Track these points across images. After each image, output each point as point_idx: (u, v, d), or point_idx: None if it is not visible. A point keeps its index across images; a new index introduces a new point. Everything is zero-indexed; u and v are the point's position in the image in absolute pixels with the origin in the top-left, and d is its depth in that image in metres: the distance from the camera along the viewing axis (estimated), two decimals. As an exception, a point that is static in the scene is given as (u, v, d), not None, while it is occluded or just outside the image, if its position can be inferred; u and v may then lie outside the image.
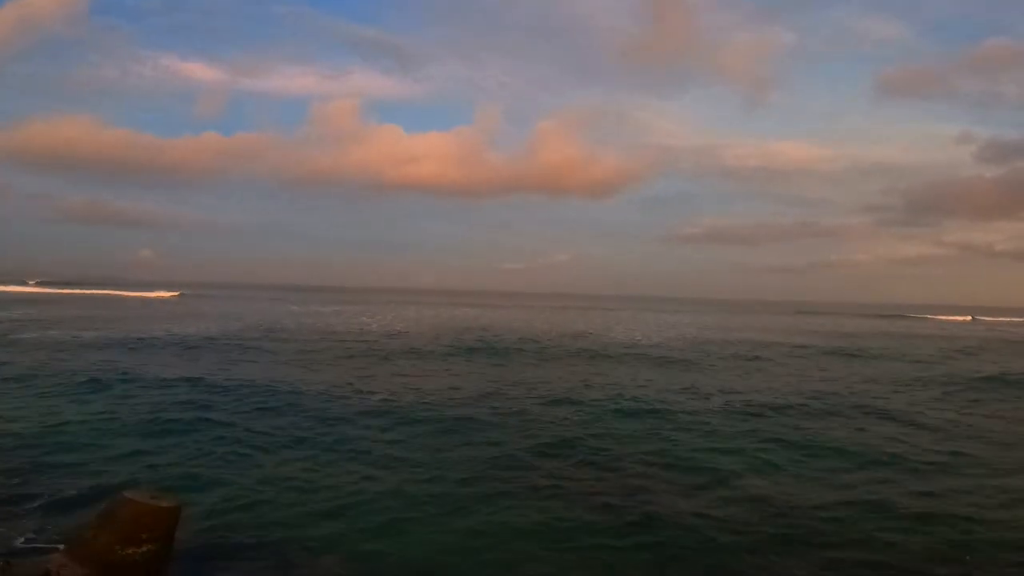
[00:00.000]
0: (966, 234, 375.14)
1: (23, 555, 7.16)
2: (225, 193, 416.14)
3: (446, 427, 14.46)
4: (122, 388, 17.65)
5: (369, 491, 10.31)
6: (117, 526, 6.76)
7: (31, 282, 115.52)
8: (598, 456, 12.57)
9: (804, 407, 18.34)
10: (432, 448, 12.75)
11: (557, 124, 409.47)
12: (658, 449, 13.18)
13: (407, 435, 13.72)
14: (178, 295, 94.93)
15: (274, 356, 26.63)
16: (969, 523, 9.59)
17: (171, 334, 33.52)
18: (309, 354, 27.66)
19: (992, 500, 10.78)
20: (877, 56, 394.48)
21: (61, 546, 7.37)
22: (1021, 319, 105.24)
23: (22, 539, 7.94)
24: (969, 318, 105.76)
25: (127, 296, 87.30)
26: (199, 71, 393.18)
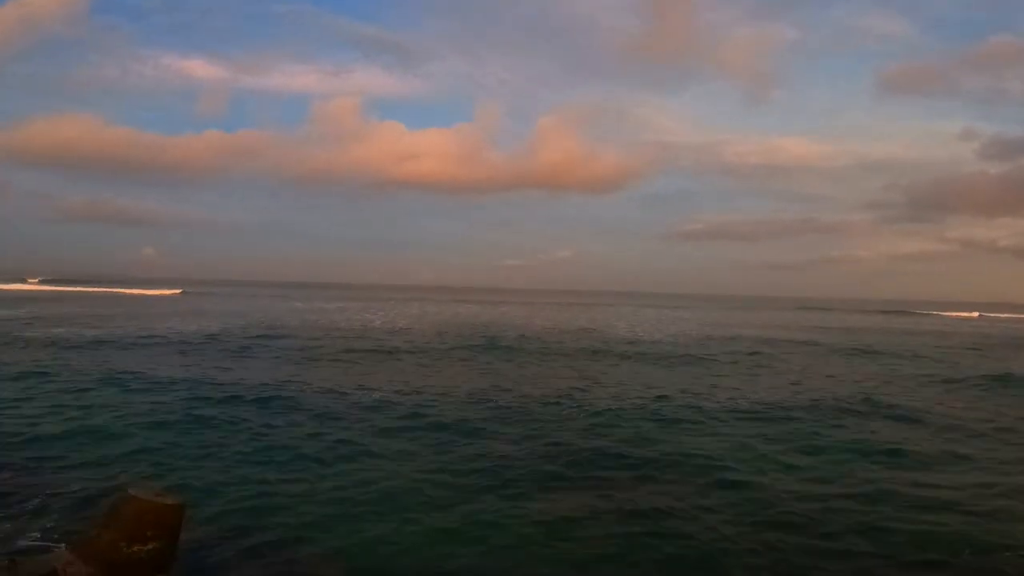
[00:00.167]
0: (969, 231, 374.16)
1: (28, 553, 7.16)
2: (227, 191, 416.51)
3: (450, 426, 14.37)
4: (124, 386, 17.67)
5: (374, 490, 10.29)
6: (122, 524, 6.76)
7: (31, 280, 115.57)
8: (602, 456, 12.45)
9: (813, 406, 17.99)
10: (436, 447, 12.72)
11: (558, 121, 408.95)
12: (662, 448, 13.04)
13: (411, 433, 13.71)
14: (180, 293, 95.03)
15: (277, 354, 26.65)
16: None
17: (173, 332, 33.59)
18: (313, 351, 27.68)
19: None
20: (879, 52, 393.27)
21: (66, 544, 7.38)
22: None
23: (27, 537, 7.95)
24: (976, 314, 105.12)
25: (129, 294, 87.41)
26: (200, 69, 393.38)
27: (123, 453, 11.63)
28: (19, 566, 6.43)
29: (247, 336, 32.76)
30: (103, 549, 6.68)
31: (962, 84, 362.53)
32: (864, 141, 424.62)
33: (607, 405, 17.20)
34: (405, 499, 9.90)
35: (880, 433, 15.18)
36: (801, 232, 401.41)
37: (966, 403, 19.82)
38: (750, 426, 15.46)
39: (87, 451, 11.64)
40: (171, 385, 18.16)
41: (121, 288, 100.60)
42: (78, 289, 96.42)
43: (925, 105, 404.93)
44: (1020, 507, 10.38)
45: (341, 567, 7.86)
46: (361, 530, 8.79)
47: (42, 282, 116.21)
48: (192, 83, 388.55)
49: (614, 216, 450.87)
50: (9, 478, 10.09)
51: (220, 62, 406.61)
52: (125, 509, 6.84)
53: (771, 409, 17.38)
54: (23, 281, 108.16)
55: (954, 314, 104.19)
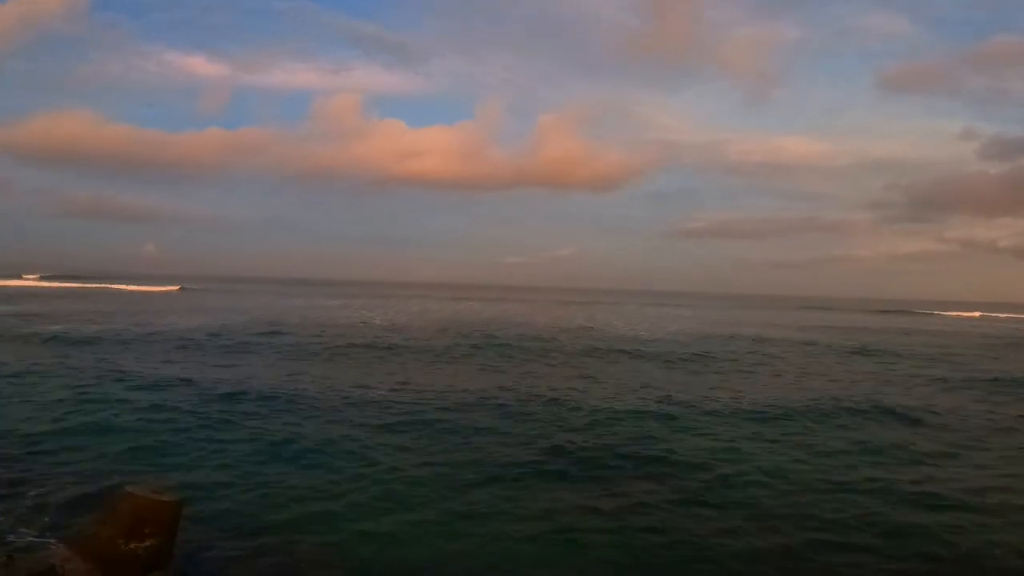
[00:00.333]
0: (969, 230, 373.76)
1: (26, 549, 7.17)
2: (228, 188, 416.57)
3: (450, 425, 14.33)
4: (120, 384, 17.65)
5: (373, 488, 10.31)
6: (120, 520, 6.78)
7: (27, 276, 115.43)
8: (602, 455, 12.39)
9: (817, 407, 17.69)
10: (436, 446, 12.71)
11: (559, 119, 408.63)
12: (663, 448, 12.93)
13: (410, 432, 13.70)
14: (179, 289, 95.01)
15: (276, 351, 26.65)
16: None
17: (170, 329, 33.59)
18: (312, 349, 27.67)
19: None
20: (881, 52, 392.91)
21: (64, 540, 7.39)
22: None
23: (25, 534, 7.95)
24: (977, 314, 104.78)
25: (127, 290, 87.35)
26: (202, 66, 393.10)
27: (120, 450, 11.64)
28: (17, 562, 6.44)
29: (245, 333, 32.75)
30: (101, 545, 6.70)
31: (963, 84, 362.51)
32: (865, 140, 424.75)
33: (607, 404, 17.11)
34: (404, 497, 9.91)
35: (885, 434, 15.04)
36: (803, 231, 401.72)
37: (974, 403, 19.57)
38: (756, 426, 15.26)
39: (85, 448, 11.65)
40: (167, 383, 18.15)
41: (120, 284, 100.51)
42: (76, 285, 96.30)
43: (926, 105, 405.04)
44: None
45: (339, 563, 7.86)
46: (359, 527, 8.80)
47: (42, 278, 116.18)
48: (193, 80, 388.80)
49: (616, 214, 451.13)
50: (7, 475, 10.09)
51: (221, 59, 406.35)
52: (123, 506, 6.86)
53: (774, 409, 17.15)
54: (19, 277, 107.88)
55: (955, 314, 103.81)
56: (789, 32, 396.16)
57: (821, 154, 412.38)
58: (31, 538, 7.79)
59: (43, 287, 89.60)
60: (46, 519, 8.43)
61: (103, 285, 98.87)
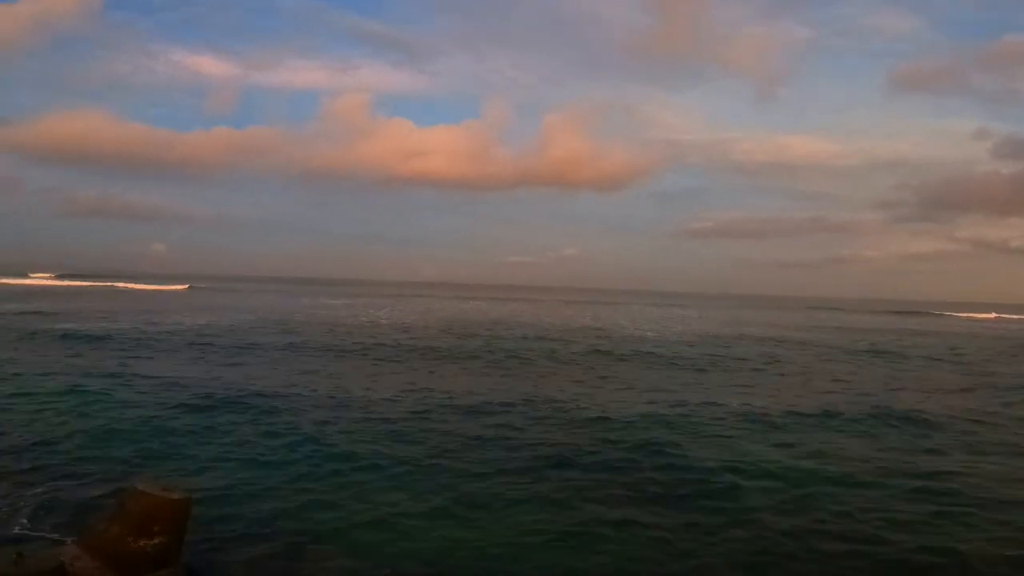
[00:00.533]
0: (980, 230, 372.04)
1: (36, 547, 7.18)
2: (236, 187, 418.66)
3: (456, 429, 14.19)
4: (131, 384, 17.71)
5: (379, 488, 10.29)
6: (129, 518, 6.76)
7: (34, 275, 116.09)
8: (612, 461, 12.16)
9: (839, 413, 16.90)
10: (444, 450, 12.61)
11: (566, 118, 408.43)
12: (673, 455, 12.57)
13: (417, 435, 13.62)
14: (187, 288, 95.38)
15: (283, 351, 26.72)
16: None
17: (179, 329, 33.71)
18: (320, 350, 27.73)
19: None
20: (890, 51, 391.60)
21: (74, 538, 7.39)
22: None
23: (35, 531, 7.98)
24: (993, 315, 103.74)
25: (135, 289, 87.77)
26: (210, 66, 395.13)
27: (129, 449, 11.66)
28: (27, 560, 6.44)
29: (253, 332, 32.87)
30: (110, 543, 6.69)
31: (975, 83, 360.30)
32: (874, 140, 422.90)
33: (617, 408, 16.85)
34: (412, 498, 9.87)
35: (904, 440, 14.46)
36: (810, 231, 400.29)
37: (1005, 408, 18.83)
38: (770, 431, 14.86)
39: (93, 447, 11.67)
40: (176, 382, 18.19)
41: (129, 283, 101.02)
42: (84, 284, 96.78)
43: (937, 104, 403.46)
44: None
45: (346, 562, 7.84)
46: (367, 526, 8.78)
47: (59, 277, 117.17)
48: (202, 80, 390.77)
49: (622, 214, 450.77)
50: (15, 472, 10.12)
51: (229, 58, 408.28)
52: (132, 504, 6.84)
53: (790, 414, 16.58)
54: (25, 276, 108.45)
55: (971, 315, 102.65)
56: (797, 31, 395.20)
57: (829, 153, 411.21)
58: (41, 536, 7.81)
59: (52, 285, 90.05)
60: (55, 517, 8.45)
61: (111, 284, 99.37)
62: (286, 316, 45.56)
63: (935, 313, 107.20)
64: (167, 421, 13.58)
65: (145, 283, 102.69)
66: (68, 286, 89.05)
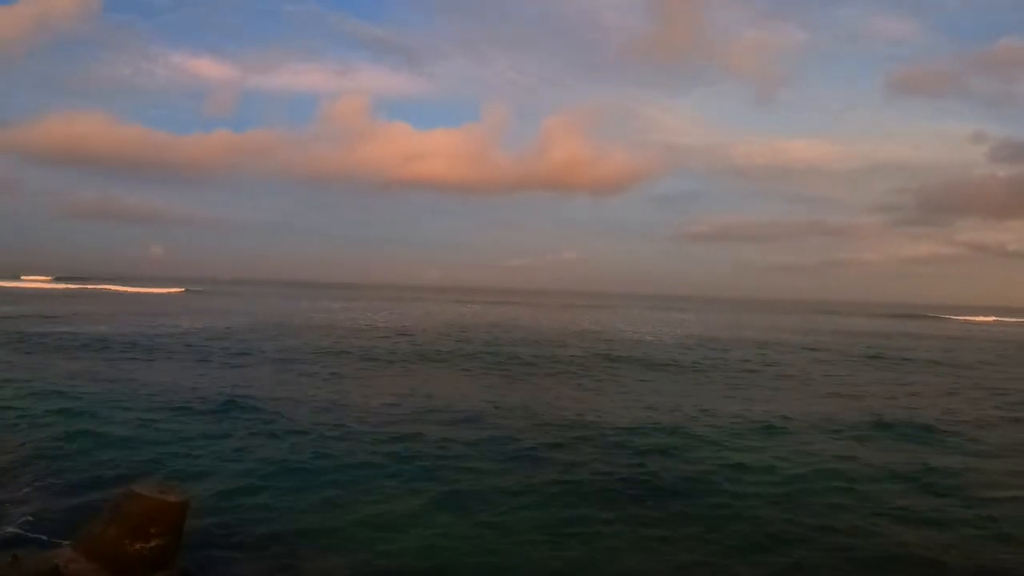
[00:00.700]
0: (978, 234, 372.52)
1: (31, 549, 7.13)
2: (236, 190, 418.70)
3: (455, 435, 14.01)
4: (124, 388, 17.66)
5: (376, 492, 10.25)
6: (125, 520, 6.72)
7: (26, 277, 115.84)
8: (607, 468, 12.01)
9: (846, 422, 16.37)
10: (442, 455, 12.55)
11: (565, 121, 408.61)
12: (665, 463, 12.33)
13: (415, 441, 13.56)
14: (183, 291, 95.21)
15: (282, 355, 26.64)
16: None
17: (173, 332, 33.66)
18: (318, 354, 27.66)
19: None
20: (889, 54, 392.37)
21: (69, 541, 7.34)
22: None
23: (31, 534, 7.93)
24: (991, 319, 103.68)
25: (130, 292, 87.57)
26: (209, 68, 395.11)
27: (124, 453, 11.60)
28: (22, 562, 6.40)
29: (249, 336, 32.82)
30: (107, 545, 6.65)
31: (972, 86, 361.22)
32: (873, 143, 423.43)
33: (614, 414, 16.66)
34: (407, 501, 9.84)
35: (915, 450, 13.89)
36: (809, 234, 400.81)
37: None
38: (772, 440, 14.41)
39: (90, 450, 11.61)
40: (171, 387, 18.17)
41: (125, 286, 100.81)
42: (74, 287, 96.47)
43: (935, 107, 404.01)
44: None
45: (344, 564, 7.80)
46: (363, 531, 8.74)
47: (56, 279, 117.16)
48: (201, 82, 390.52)
49: (621, 217, 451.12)
50: (11, 476, 10.07)
51: (229, 61, 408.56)
52: (129, 506, 6.80)
53: (790, 422, 16.20)
54: (17, 279, 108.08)
55: (970, 318, 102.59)
56: (796, 34, 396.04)
57: (828, 157, 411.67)
58: (37, 538, 7.76)
59: (42, 288, 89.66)
60: (51, 519, 8.40)
61: (104, 287, 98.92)
62: (284, 320, 45.49)
63: (934, 317, 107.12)
64: (162, 424, 13.53)
65: (139, 286, 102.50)
66: (56, 289, 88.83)
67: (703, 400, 19.12)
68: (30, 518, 8.40)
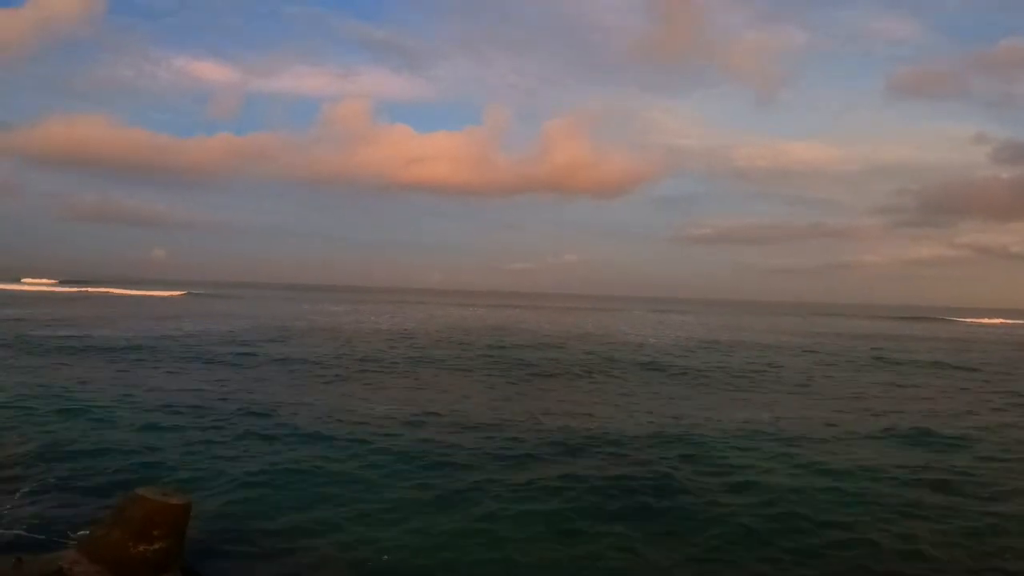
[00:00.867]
0: (980, 235, 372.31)
1: (35, 552, 7.17)
2: (238, 193, 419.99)
3: (458, 440, 13.97)
4: (125, 391, 17.66)
5: (378, 494, 10.27)
6: (129, 523, 6.77)
7: (27, 280, 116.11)
8: (608, 474, 11.94)
9: (849, 426, 16.00)
10: (438, 453, 12.59)
11: (566, 124, 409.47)
12: (663, 469, 12.23)
13: (413, 439, 13.61)
14: (184, 294, 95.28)
15: (284, 359, 26.66)
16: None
17: (174, 335, 33.72)
18: (317, 357, 27.69)
19: None
20: (890, 56, 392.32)
21: (73, 543, 7.39)
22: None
23: (34, 536, 7.97)
24: (998, 321, 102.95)
25: (130, 295, 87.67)
26: (211, 71, 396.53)
27: (128, 455, 11.63)
28: (26, 565, 6.45)
29: (249, 340, 32.86)
30: (109, 548, 6.69)
31: (974, 88, 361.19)
32: (875, 145, 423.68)
33: (616, 420, 16.40)
34: (410, 504, 9.85)
35: (935, 458, 13.35)
36: (811, 236, 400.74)
37: None
38: (776, 448, 13.97)
39: (93, 453, 11.63)
40: (171, 390, 18.21)
41: (126, 289, 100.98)
42: (73, 290, 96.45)
43: (936, 108, 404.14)
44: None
45: (345, 566, 7.83)
46: (366, 534, 8.75)
47: (61, 283, 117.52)
48: (203, 85, 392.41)
49: (622, 219, 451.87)
50: (15, 479, 10.11)
51: (231, 64, 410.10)
52: (132, 509, 6.85)
53: (795, 429, 15.71)
54: (18, 281, 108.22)
55: (977, 320, 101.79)
56: (797, 36, 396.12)
57: (830, 159, 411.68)
58: (41, 541, 7.80)
59: (41, 291, 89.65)
60: (54, 522, 8.42)
61: (104, 290, 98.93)
62: (286, 323, 45.53)
63: (940, 319, 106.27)
64: (163, 427, 13.56)
65: (140, 289, 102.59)
66: (56, 292, 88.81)
67: (706, 404, 19.07)
68: (33, 521, 8.43)
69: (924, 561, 8.51)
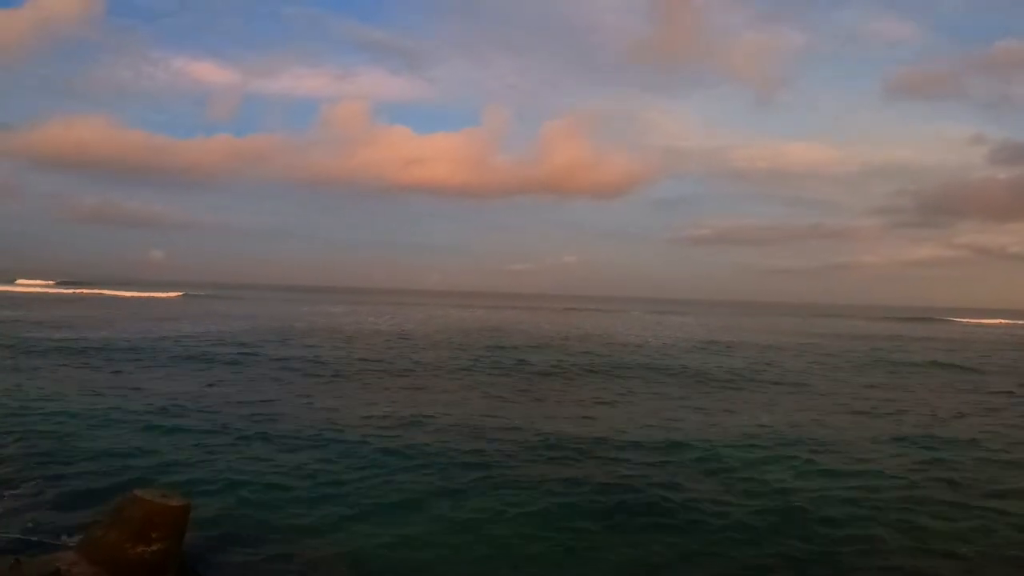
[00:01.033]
0: (978, 236, 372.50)
1: (33, 553, 7.12)
2: (237, 194, 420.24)
3: (449, 438, 13.95)
4: (123, 392, 17.67)
5: (378, 495, 10.25)
6: (127, 524, 6.72)
7: (22, 281, 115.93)
8: (610, 479, 11.96)
9: (856, 431, 15.66)
10: (442, 455, 12.57)
11: (565, 125, 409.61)
12: (664, 474, 12.16)
13: (413, 441, 13.56)
14: (181, 296, 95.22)
15: (281, 360, 26.63)
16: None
17: (171, 336, 33.66)
18: (315, 359, 27.66)
19: None
20: (888, 57, 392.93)
21: (72, 544, 7.34)
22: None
23: (31, 537, 7.92)
24: (998, 321, 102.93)
25: (127, 296, 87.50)
26: (211, 72, 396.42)
27: (126, 456, 11.58)
28: (24, 566, 6.40)
29: (247, 341, 32.81)
30: (108, 549, 6.64)
31: (971, 88, 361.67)
32: (873, 146, 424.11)
33: (631, 431, 15.50)
34: (408, 506, 9.82)
35: (951, 465, 12.82)
36: (810, 237, 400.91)
37: None
38: (779, 453, 13.54)
39: (91, 455, 11.59)
40: (169, 391, 18.18)
41: (123, 291, 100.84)
42: (67, 291, 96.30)
43: (934, 109, 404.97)
44: None
45: (344, 569, 7.79)
46: (366, 533, 8.73)
47: (59, 284, 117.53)
48: (202, 86, 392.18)
49: (621, 221, 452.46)
50: (13, 478, 10.06)
51: (230, 65, 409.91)
52: (131, 510, 6.81)
53: (798, 434, 15.14)
54: (12, 283, 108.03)
55: (978, 321, 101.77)
56: (795, 37, 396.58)
57: (828, 160, 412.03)
58: (38, 542, 7.74)
59: (35, 292, 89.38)
60: (52, 523, 8.38)
61: (102, 291, 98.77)
62: (284, 324, 45.48)
63: (939, 319, 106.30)
64: (162, 429, 13.49)
65: (139, 290, 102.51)
66: (50, 293, 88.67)
67: (706, 406, 19.01)
68: (31, 522, 8.39)
69: (933, 560, 8.47)
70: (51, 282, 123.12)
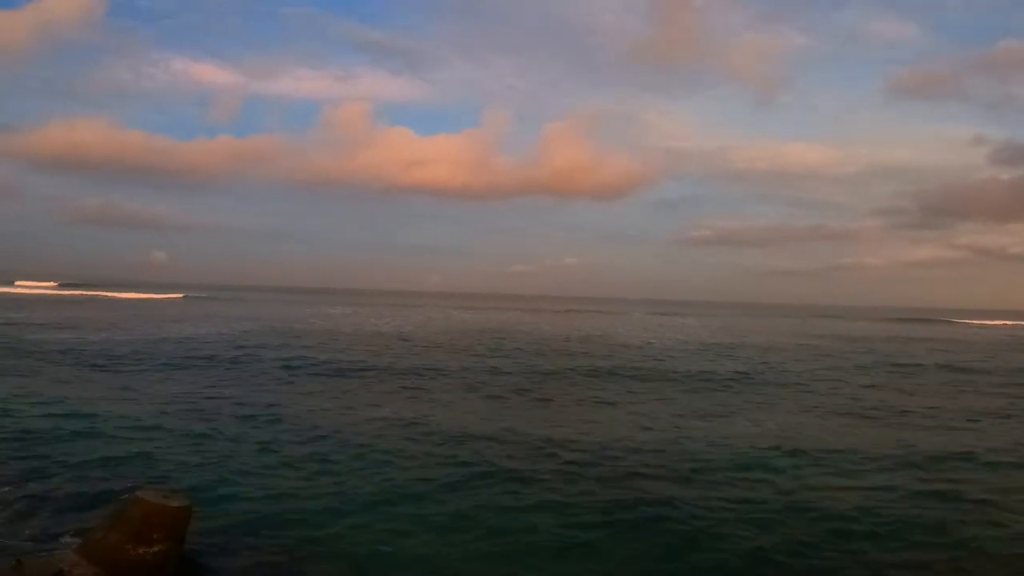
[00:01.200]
0: (980, 237, 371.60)
1: (34, 554, 7.13)
2: (238, 196, 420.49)
3: (448, 440, 13.88)
4: (123, 393, 17.68)
5: (379, 495, 10.25)
6: (128, 526, 6.73)
7: (21, 283, 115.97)
8: (610, 483, 11.87)
9: (862, 434, 15.26)
10: (443, 456, 12.60)
11: (566, 127, 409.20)
12: (665, 482, 12.08)
13: (413, 443, 13.58)
14: (182, 297, 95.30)
15: (282, 362, 26.64)
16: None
17: (171, 338, 33.69)
18: (316, 361, 27.66)
19: None
20: (889, 58, 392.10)
21: (73, 545, 7.34)
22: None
23: (33, 538, 7.93)
24: (1000, 322, 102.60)
25: (126, 298, 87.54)
26: (212, 74, 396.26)
27: (127, 458, 11.59)
28: (25, 566, 6.41)
29: (248, 343, 32.83)
30: (109, 550, 6.65)
31: (972, 89, 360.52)
32: (873, 147, 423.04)
33: (626, 432, 15.40)
34: (411, 505, 9.82)
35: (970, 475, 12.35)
36: (811, 239, 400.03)
37: None
38: (782, 460, 13.30)
39: (92, 456, 11.59)
40: (168, 392, 18.19)
41: (124, 292, 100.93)
42: (67, 292, 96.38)
43: (935, 110, 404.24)
44: None
45: (344, 570, 7.79)
46: (367, 534, 8.73)
47: (61, 286, 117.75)
48: (203, 88, 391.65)
49: (622, 222, 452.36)
50: (15, 480, 10.07)
51: (231, 66, 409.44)
52: (132, 511, 6.81)
53: (800, 439, 14.68)
54: (11, 284, 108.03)
55: (980, 322, 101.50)
56: (795, 38, 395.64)
57: (828, 161, 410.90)
58: (40, 542, 7.76)
59: (34, 294, 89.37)
60: (54, 524, 8.40)
61: (103, 293, 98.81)
62: (285, 326, 45.52)
63: (946, 321, 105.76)
64: (162, 431, 13.50)
65: (140, 292, 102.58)
66: (50, 295, 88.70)
67: (708, 409, 18.93)
68: (32, 523, 8.40)
69: (934, 565, 8.44)
70: (52, 284, 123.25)
